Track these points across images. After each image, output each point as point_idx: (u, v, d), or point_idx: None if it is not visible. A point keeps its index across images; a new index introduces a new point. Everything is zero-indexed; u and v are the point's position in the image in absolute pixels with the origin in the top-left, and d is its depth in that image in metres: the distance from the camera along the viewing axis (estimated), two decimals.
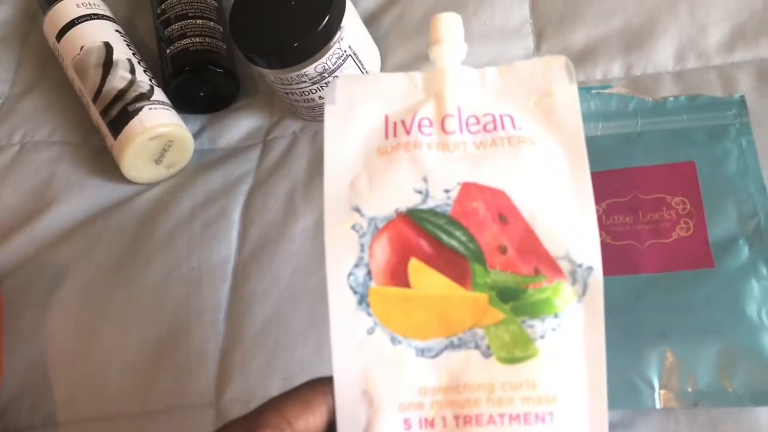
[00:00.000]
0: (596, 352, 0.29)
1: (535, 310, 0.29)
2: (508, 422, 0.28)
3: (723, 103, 0.46)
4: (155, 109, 0.53)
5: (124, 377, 0.46)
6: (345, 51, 0.51)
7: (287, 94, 0.53)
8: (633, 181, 0.44)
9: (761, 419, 0.38)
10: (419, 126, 0.31)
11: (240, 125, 0.57)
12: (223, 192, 0.52)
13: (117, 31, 0.57)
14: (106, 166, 0.55)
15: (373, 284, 0.30)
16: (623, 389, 0.39)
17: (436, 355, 0.29)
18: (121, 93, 0.53)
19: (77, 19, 0.57)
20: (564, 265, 0.29)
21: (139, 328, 0.48)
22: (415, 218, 0.30)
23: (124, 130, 0.52)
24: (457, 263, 0.30)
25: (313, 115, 0.54)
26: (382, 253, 0.30)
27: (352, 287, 0.30)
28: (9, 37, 0.64)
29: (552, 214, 0.30)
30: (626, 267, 0.42)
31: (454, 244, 0.30)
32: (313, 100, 0.53)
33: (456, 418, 0.29)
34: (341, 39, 0.50)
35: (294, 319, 0.46)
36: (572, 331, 0.29)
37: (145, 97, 0.53)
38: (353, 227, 0.30)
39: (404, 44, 0.56)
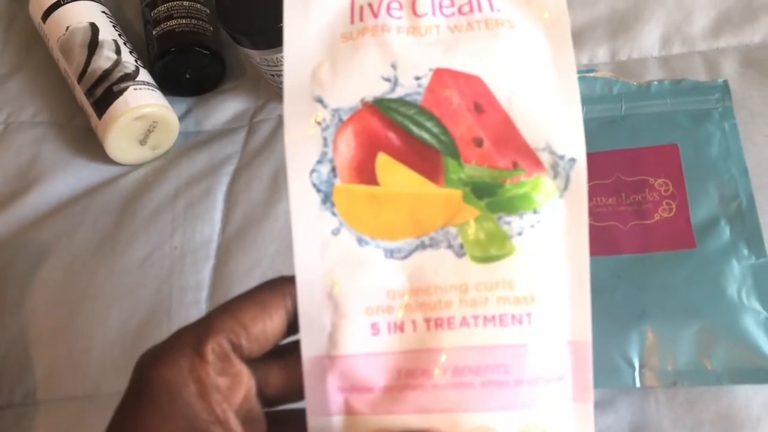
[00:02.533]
0: (579, 250, 0.27)
1: (513, 205, 0.27)
2: (482, 324, 0.26)
3: (706, 87, 0.46)
4: (140, 89, 0.53)
5: (105, 356, 0.46)
6: None
7: (273, 76, 0.53)
8: (616, 163, 0.44)
9: (739, 398, 0.38)
10: (388, 8, 0.29)
11: (226, 108, 0.56)
12: (207, 173, 0.52)
13: (103, 12, 0.57)
14: (91, 146, 0.55)
15: (337, 182, 0.28)
16: (604, 368, 0.39)
17: (406, 256, 0.27)
18: (106, 73, 0.53)
19: None
20: (544, 158, 0.27)
21: (121, 307, 0.47)
22: (382, 108, 0.28)
23: (108, 110, 0.52)
24: (428, 157, 0.28)
25: None
26: (347, 147, 0.28)
27: (315, 185, 0.28)
28: None
29: (532, 102, 0.28)
30: (608, 247, 0.42)
31: (426, 137, 0.28)
32: None
33: (427, 321, 0.27)
34: None
35: None
36: (553, 227, 0.27)
37: (130, 77, 0.53)
38: (316, 120, 0.28)
39: None
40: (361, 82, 0.28)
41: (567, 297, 0.27)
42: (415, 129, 0.28)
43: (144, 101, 0.52)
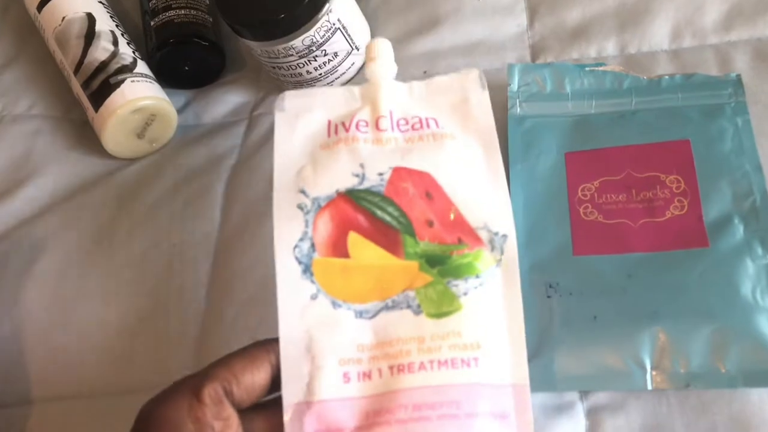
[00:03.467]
0: (514, 306, 0.33)
1: (459, 272, 0.33)
2: (437, 367, 0.32)
3: (719, 82, 0.45)
4: (138, 81, 0.52)
5: (101, 355, 0.45)
6: (333, 24, 0.49)
7: (274, 68, 0.52)
8: (627, 159, 0.43)
9: (752, 401, 0.37)
10: (357, 126, 0.36)
11: (226, 101, 0.55)
12: (206, 168, 0.51)
13: (100, 2, 0.56)
14: (87, 140, 0.54)
15: (316, 255, 0.33)
16: (614, 370, 0.38)
17: (373, 316, 0.33)
18: (103, 65, 0.52)
19: None
20: (483, 235, 0.34)
21: (118, 305, 0.46)
22: (353, 197, 0.34)
23: (105, 103, 0.51)
24: (390, 235, 0.34)
25: None
26: (324, 227, 0.34)
27: (297, 258, 0.33)
28: None
29: (470, 192, 0.35)
30: (618, 246, 0.41)
31: (388, 219, 0.34)
32: (300, 74, 0.51)
33: (390, 368, 0.32)
34: (330, 11, 0.49)
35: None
36: (492, 289, 0.33)
37: (128, 69, 0.52)
38: (299, 206, 0.34)
39: (394, 19, 0.55)
40: (336, 177, 0.35)
41: (507, 345, 0.32)
42: (379, 212, 0.34)
43: (142, 94, 0.51)
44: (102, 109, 0.51)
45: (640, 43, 0.50)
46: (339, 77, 0.52)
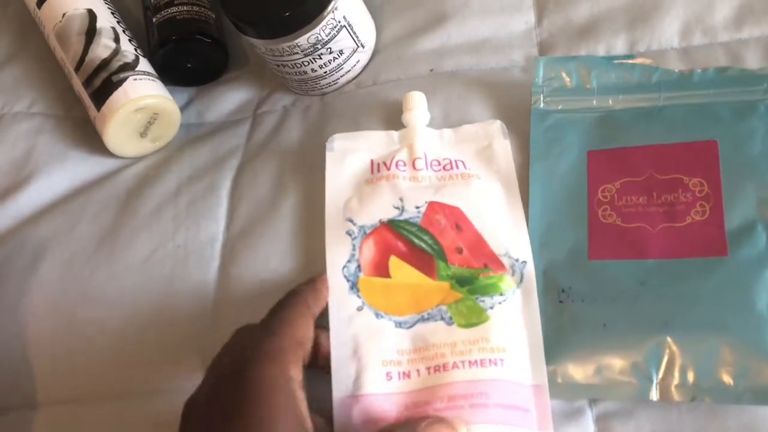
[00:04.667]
0: (533, 319, 0.39)
1: (485, 290, 0.39)
2: (468, 366, 0.36)
3: (754, 77, 0.43)
4: (140, 79, 0.51)
5: (106, 358, 0.45)
6: (339, 21, 0.49)
7: (278, 66, 0.51)
8: (650, 159, 0.42)
9: (764, 410, 0.36)
10: (396, 165, 0.43)
11: (229, 98, 0.55)
12: (211, 167, 0.51)
13: None
14: (89, 139, 0.53)
15: (361, 275, 0.40)
16: (620, 380, 0.37)
17: (411, 326, 0.38)
18: (105, 63, 0.51)
19: None
20: (505, 261, 0.40)
21: (122, 309, 0.46)
22: (394, 226, 0.41)
23: (107, 102, 0.50)
24: (425, 260, 0.40)
25: (305, 89, 0.52)
26: (369, 251, 0.40)
27: (345, 276, 0.40)
28: None
29: (494, 225, 0.41)
30: (634, 251, 0.40)
31: (423, 246, 0.40)
32: (305, 72, 0.51)
33: (428, 369, 0.37)
34: (335, 9, 0.48)
35: None
36: (514, 305, 0.39)
37: (130, 67, 0.51)
38: (347, 232, 0.41)
39: (400, 16, 0.54)
40: (379, 209, 0.41)
41: (528, 351, 0.38)
42: (416, 240, 0.40)
43: (144, 92, 0.50)
44: (104, 107, 0.50)
45: (650, 41, 0.49)
46: (344, 75, 0.52)
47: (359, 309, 0.39)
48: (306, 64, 0.50)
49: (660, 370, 0.37)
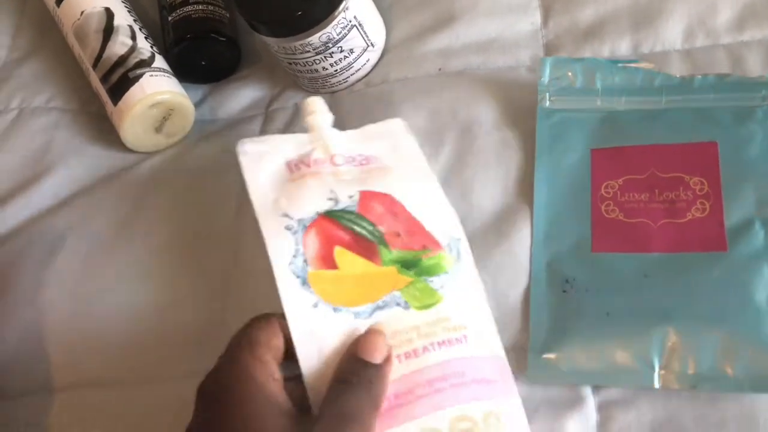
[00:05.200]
0: (479, 295, 0.39)
1: (431, 271, 0.39)
2: (438, 347, 0.37)
3: (753, 84, 0.45)
4: (156, 76, 0.52)
5: (122, 344, 0.46)
6: (350, 21, 0.50)
7: (290, 64, 0.52)
8: (652, 158, 0.43)
9: (763, 397, 0.37)
10: (316, 163, 0.41)
11: (241, 95, 0.56)
12: (224, 162, 0.52)
13: None
14: (106, 133, 0.54)
15: (310, 269, 0.37)
16: (623, 367, 0.38)
17: (369, 315, 0.37)
18: (122, 59, 0.52)
19: None
20: (441, 239, 0.40)
21: (138, 296, 0.47)
22: (333, 216, 0.39)
23: (124, 97, 0.51)
24: (368, 247, 0.39)
25: (316, 86, 0.54)
26: (312, 244, 0.38)
27: (294, 272, 0.37)
28: (7, 1, 0.63)
29: (424, 207, 0.41)
30: (636, 245, 0.41)
31: (364, 233, 0.39)
32: (316, 71, 0.52)
33: (398, 357, 0.36)
34: (347, 8, 0.49)
35: None
36: (461, 282, 0.39)
37: (146, 63, 0.53)
38: (286, 227, 0.38)
39: (408, 16, 0.55)
40: (312, 201, 0.39)
41: (484, 328, 0.38)
42: (357, 228, 0.39)
43: (160, 88, 0.52)
44: (121, 103, 0.51)
45: (654, 43, 0.50)
46: (354, 73, 0.53)
47: (315, 305, 0.37)
48: (317, 62, 0.51)
49: (662, 359, 0.38)
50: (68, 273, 0.49)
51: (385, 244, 0.39)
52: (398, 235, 0.39)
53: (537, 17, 0.53)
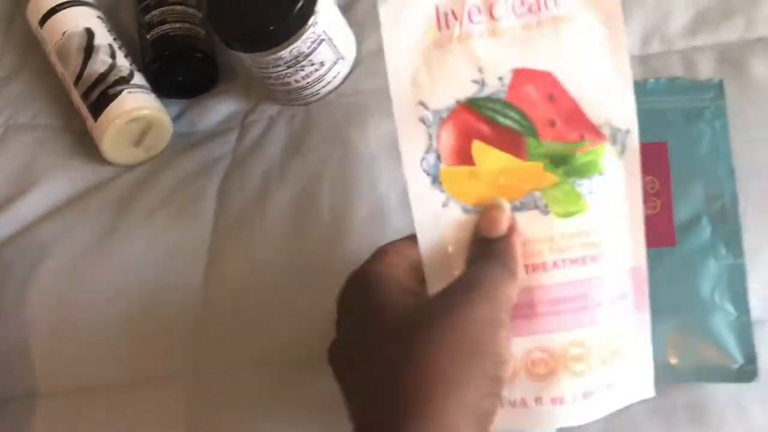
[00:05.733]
0: (636, 196, 0.35)
1: (583, 171, 0.34)
2: (569, 265, 0.34)
3: (702, 86, 0.47)
4: (135, 92, 0.54)
5: (103, 351, 0.48)
6: (320, 35, 0.52)
7: (264, 77, 0.54)
8: None
9: (710, 387, 0.39)
10: (469, 15, 0.35)
11: (218, 109, 0.58)
12: (200, 172, 0.54)
13: (98, 17, 0.58)
14: (87, 148, 0.56)
15: (442, 166, 0.35)
16: None
17: None
18: (102, 77, 0.54)
19: (59, 5, 0.58)
20: (605, 130, 0.34)
21: (118, 305, 0.49)
22: (474, 106, 0.35)
23: (104, 113, 0.53)
24: (513, 139, 0.35)
25: (290, 98, 0.56)
26: (448, 139, 0.35)
27: (425, 170, 0.35)
28: None
29: (594, 88, 0.34)
30: None
31: (510, 124, 0.35)
32: (289, 83, 0.54)
33: (525, 267, 0.34)
34: (316, 23, 0.51)
35: (269, 299, 0.47)
36: (615, 184, 0.35)
37: (125, 80, 0.55)
38: (421, 119, 0.35)
39: (380, 30, 0.57)
40: (455, 86, 0.35)
41: (628, 234, 0.34)
42: (501, 119, 0.35)
43: (138, 104, 0.54)
44: (101, 118, 0.53)
45: None
46: (326, 85, 0.55)
47: (444, 204, 0.35)
48: (289, 75, 0.53)
49: None
50: (51, 282, 0.51)
51: (535, 135, 0.34)
52: (553, 124, 0.34)
53: None
